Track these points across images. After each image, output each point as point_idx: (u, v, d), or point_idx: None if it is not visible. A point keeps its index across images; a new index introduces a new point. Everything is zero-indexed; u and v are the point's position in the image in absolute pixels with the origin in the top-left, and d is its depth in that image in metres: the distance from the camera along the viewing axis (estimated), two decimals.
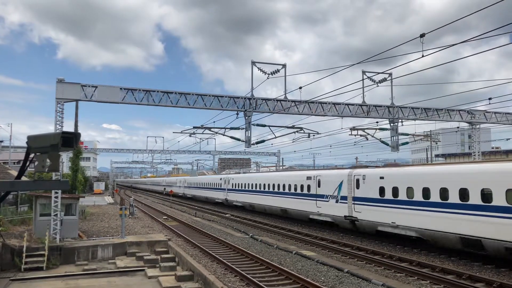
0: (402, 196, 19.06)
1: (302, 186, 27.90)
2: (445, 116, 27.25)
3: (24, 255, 17.52)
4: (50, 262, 17.89)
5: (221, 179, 47.42)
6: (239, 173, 56.02)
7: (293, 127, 27.49)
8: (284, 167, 71.22)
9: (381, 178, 20.56)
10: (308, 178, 27.24)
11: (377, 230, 20.60)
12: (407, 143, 30.83)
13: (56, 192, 19.65)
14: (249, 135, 23.61)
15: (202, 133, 29.56)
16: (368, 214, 21.18)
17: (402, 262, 15.87)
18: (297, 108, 23.97)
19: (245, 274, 13.87)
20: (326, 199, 24.85)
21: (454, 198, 16.50)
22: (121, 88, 21.21)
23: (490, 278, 13.22)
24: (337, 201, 23.73)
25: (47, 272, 17.11)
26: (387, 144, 27.30)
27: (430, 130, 57.98)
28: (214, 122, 27.21)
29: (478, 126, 28.97)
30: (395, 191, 19.50)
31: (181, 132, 32.60)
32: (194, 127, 28.41)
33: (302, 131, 27.67)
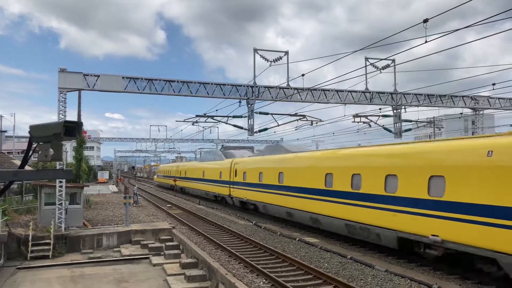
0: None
1: None
2: (449, 102, 27.10)
3: (30, 244, 17.73)
4: (56, 251, 18.11)
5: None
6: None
7: (296, 114, 27.42)
8: None
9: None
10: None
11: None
12: (410, 129, 30.70)
13: (61, 181, 19.78)
14: (252, 123, 23.58)
15: (205, 122, 29.45)
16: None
17: None
18: (300, 95, 23.88)
19: (249, 261, 13.99)
20: None
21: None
22: (123, 77, 21.18)
23: None
24: None
25: (53, 261, 17.33)
26: (390, 131, 27.25)
27: (434, 117, 57.61)
28: (216, 110, 27.18)
29: (481, 112, 28.83)
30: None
31: (184, 121, 32.59)
32: (197, 116, 28.34)
33: (305, 119, 27.60)
